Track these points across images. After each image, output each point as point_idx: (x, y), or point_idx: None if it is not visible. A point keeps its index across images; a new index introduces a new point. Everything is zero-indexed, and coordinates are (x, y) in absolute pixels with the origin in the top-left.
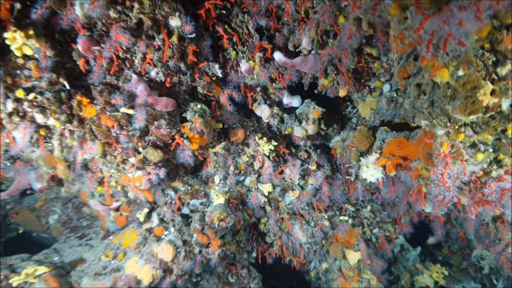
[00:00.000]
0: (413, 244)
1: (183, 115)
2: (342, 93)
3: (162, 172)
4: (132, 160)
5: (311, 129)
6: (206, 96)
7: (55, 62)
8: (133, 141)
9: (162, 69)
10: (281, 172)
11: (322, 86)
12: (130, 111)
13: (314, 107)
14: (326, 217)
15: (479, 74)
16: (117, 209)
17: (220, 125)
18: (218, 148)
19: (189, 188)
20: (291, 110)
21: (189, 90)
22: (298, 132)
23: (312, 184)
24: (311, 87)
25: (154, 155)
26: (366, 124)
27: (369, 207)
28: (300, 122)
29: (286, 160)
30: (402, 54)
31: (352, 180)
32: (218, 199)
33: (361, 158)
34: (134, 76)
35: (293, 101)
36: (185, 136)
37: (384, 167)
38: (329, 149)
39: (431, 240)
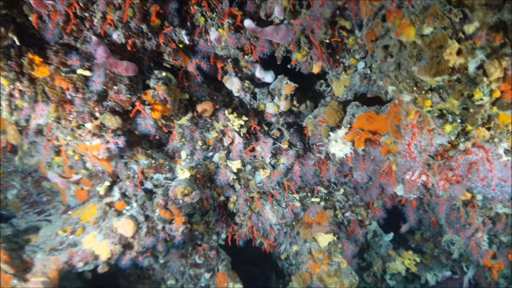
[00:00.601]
0: (387, 230)
1: (146, 82)
2: (315, 69)
3: (121, 141)
4: (88, 126)
5: (283, 105)
6: (173, 65)
7: (3, 15)
8: (89, 105)
9: (123, 30)
10: (252, 150)
11: (296, 61)
12: (87, 73)
13: (286, 82)
14: (297, 198)
15: (446, 32)
16: (77, 183)
17: (187, 96)
18: (184, 120)
19: (153, 161)
20: (264, 86)
21: (154, 57)
22: (270, 109)
23: (283, 163)
24: (285, 63)
25: (112, 121)
26: (339, 101)
27: (342, 190)
28: (273, 98)
29: (257, 138)
30: (371, 15)
31: (323, 158)
32: (183, 174)
33: (331, 133)
34: (94, 38)
35: (266, 76)
36: (146, 103)
37: (353, 142)
38: (302, 128)
39: (404, 228)
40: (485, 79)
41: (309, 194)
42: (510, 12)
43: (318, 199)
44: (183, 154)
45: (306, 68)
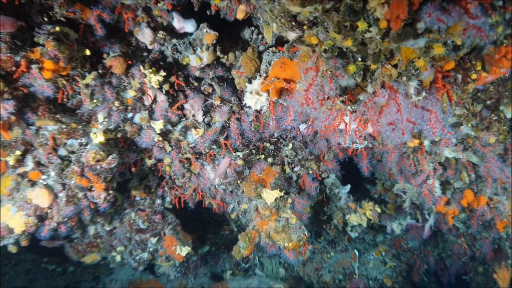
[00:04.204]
0: (349, 182)
1: (35, 39)
2: (240, 14)
3: (10, 106)
4: None
5: (206, 56)
6: (73, 19)
7: None
8: None
9: None
10: (181, 108)
11: (216, 6)
12: None
13: (206, 31)
14: (240, 156)
15: None
16: None
17: (88, 51)
18: (89, 79)
19: (64, 126)
20: (187, 37)
21: (46, 11)
22: (193, 62)
23: (218, 121)
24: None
25: None
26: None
27: (290, 145)
28: (195, 50)
29: (186, 95)
30: None
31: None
32: (97, 138)
33: (247, 85)
34: None
35: (186, 26)
36: (34, 62)
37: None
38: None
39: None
40: (368, 6)
41: (254, 152)
42: None
43: (263, 156)
44: (100, 116)
45: (230, 14)
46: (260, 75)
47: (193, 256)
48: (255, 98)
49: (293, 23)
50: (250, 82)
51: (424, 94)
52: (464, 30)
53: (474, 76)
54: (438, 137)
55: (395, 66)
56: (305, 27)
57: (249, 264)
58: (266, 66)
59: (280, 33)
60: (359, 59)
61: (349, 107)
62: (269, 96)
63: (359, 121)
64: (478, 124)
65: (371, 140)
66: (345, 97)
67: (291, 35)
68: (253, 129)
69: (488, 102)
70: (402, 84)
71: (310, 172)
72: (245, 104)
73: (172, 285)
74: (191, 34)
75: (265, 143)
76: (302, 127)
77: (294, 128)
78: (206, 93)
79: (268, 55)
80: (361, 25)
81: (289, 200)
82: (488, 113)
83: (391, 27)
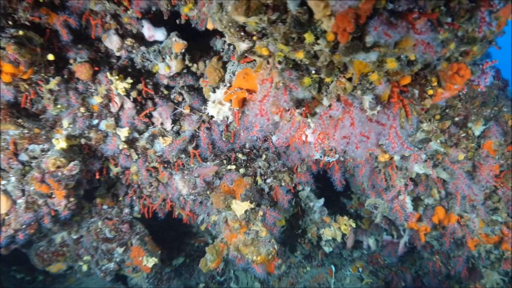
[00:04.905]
0: (326, 196)
1: None
2: (210, 24)
3: None
4: None
5: (174, 65)
6: (39, 24)
7: None
8: None
9: None
10: (150, 116)
11: (185, 16)
12: None
13: (175, 40)
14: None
15: None
16: None
17: (51, 56)
18: (53, 85)
19: (26, 131)
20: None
21: (11, 14)
22: (162, 70)
23: (188, 130)
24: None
25: None
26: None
27: (264, 156)
28: (164, 58)
29: (155, 103)
30: None
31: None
32: (58, 144)
33: (211, 94)
34: None
35: (156, 34)
36: None
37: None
38: None
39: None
40: (314, 19)
41: (225, 162)
42: None
43: (234, 166)
44: (65, 122)
45: (201, 24)
46: (224, 85)
47: (166, 268)
48: (217, 108)
49: (242, 33)
50: (214, 91)
51: (379, 108)
52: (414, 46)
53: (430, 92)
54: (398, 152)
55: (350, 79)
56: (254, 37)
57: (224, 277)
58: (230, 76)
59: (232, 43)
60: (313, 71)
61: (309, 120)
62: (232, 106)
63: (318, 134)
64: (447, 141)
65: (342, 153)
66: (302, 109)
67: (242, 46)
68: (224, 139)
69: (457, 119)
70: (357, 98)
71: (283, 184)
72: (208, 113)
73: None
74: (161, 42)
75: (237, 154)
76: (275, 138)
77: (266, 139)
78: (176, 101)
79: (232, 65)
80: (309, 37)
81: (260, 213)
82: (456, 129)
83: (339, 40)
